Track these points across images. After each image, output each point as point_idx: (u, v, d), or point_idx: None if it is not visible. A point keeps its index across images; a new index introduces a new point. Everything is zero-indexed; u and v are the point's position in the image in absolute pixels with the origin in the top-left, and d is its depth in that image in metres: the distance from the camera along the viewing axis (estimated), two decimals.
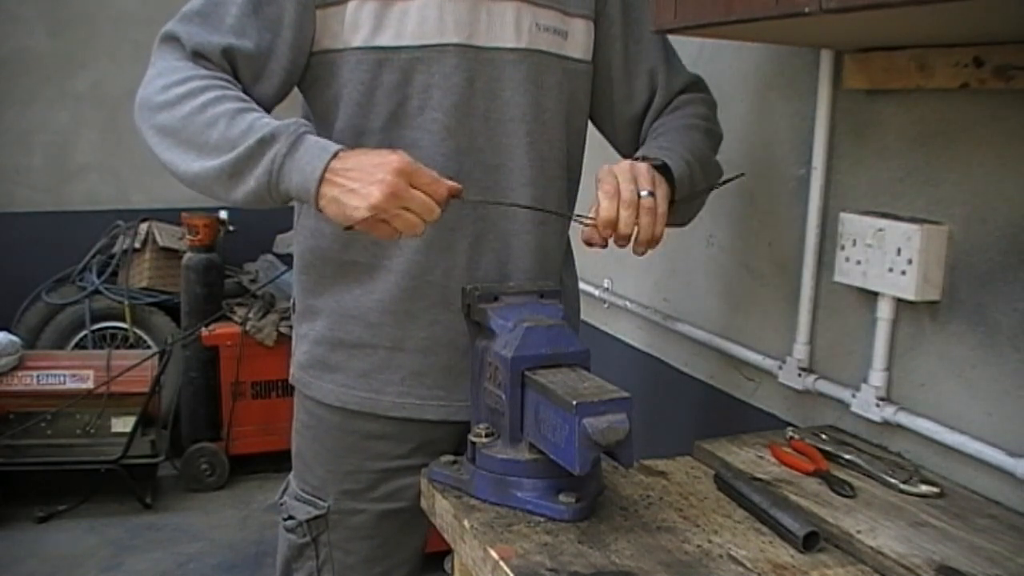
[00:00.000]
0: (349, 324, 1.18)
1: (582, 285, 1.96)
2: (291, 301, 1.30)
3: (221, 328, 3.18)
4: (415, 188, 0.95)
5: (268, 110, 1.09)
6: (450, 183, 0.99)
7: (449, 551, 1.64)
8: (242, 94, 1.06)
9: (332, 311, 1.20)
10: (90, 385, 2.91)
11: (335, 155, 0.96)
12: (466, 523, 0.96)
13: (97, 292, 3.40)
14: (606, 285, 2.03)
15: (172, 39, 1.08)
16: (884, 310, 1.22)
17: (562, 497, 0.97)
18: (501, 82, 1.14)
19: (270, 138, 0.98)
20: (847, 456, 1.15)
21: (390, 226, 0.97)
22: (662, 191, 1.06)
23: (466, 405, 1.14)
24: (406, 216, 0.96)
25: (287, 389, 3.24)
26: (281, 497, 1.29)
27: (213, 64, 1.07)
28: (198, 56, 1.06)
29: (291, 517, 1.25)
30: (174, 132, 1.04)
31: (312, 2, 1.09)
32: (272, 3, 1.08)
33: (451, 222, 1.13)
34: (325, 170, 0.96)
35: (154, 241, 3.51)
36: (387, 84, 1.11)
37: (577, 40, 1.21)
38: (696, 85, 1.32)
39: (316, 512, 1.23)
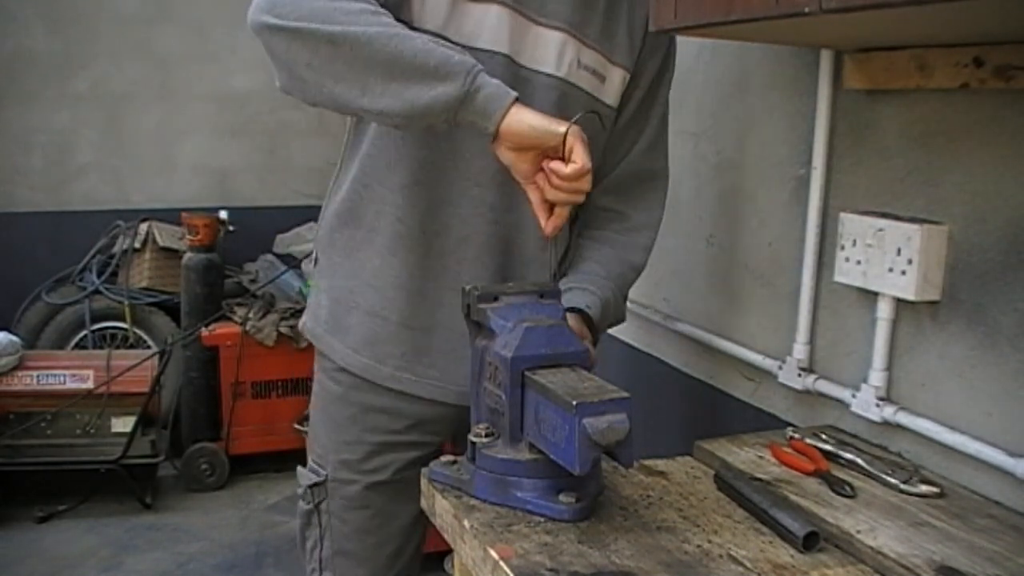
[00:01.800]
0: (368, 291, 1.23)
1: None
2: (313, 254, 1.33)
3: (221, 328, 3.18)
4: None
5: None
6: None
7: (449, 551, 1.64)
8: None
9: (355, 274, 1.24)
10: (90, 385, 2.91)
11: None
12: (466, 523, 0.96)
13: (97, 292, 3.40)
14: None
15: None
16: (884, 310, 1.22)
17: (562, 497, 0.97)
18: (532, 101, 1.15)
19: (473, 64, 1.02)
20: (847, 456, 1.15)
21: (580, 149, 1.00)
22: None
23: (460, 390, 1.18)
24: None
25: (287, 389, 3.29)
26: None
27: None
28: None
29: (300, 485, 1.32)
30: (343, 38, 1.00)
31: None
32: None
33: (471, 220, 1.19)
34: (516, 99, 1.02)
35: (154, 241, 3.50)
36: None
37: (613, 87, 1.25)
38: (663, 182, 1.35)
39: (316, 479, 1.29)
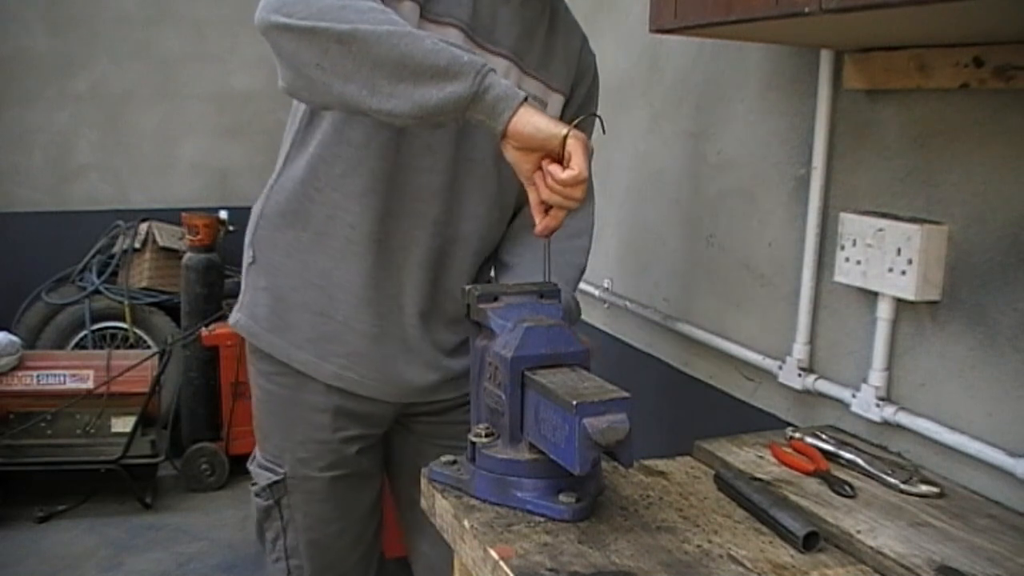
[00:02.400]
0: (314, 292, 1.25)
1: (583, 285, 1.96)
2: (250, 252, 1.31)
3: (221, 328, 3.17)
4: None
5: None
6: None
7: None
8: None
9: (299, 274, 1.25)
10: (90, 385, 2.91)
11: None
12: (466, 523, 0.96)
13: (97, 292, 3.40)
14: (606, 285, 2.03)
15: None
16: (884, 310, 1.22)
17: (562, 497, 0.97)
18: (473, 123, 1.17)
19: (483, 64, 1.01)
20: (847, 456, 1.15)
21: (579, 156, 1.00)
22: None
23: (401, 390, 1.28)
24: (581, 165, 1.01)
25: None
26: (250, 463, 1.38)
27: None
28: None
29: (256, 483, 1.35)
30: (352, 37, 1.00)
31: None
32: None
33: (414, 232, 1.23)
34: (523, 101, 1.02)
35: (154, 241, 3.51)
36: None
37: (553, 112, 1.28)
38: (590, 195, 1.37)
39: (275, 478, 1.32)
